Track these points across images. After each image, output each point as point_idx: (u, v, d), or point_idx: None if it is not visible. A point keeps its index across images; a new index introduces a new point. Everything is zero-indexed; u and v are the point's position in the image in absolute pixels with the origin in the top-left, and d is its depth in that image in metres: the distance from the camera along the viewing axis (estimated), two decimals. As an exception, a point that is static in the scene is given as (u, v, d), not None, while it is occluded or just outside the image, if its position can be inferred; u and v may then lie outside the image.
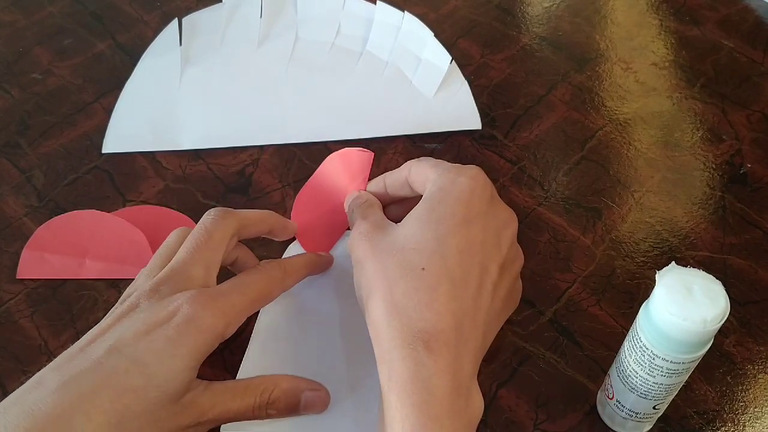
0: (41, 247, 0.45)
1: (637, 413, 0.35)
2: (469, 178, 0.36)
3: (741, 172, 0.49)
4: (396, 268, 0.33)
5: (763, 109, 0.53)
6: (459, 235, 0.34)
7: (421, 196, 0.37)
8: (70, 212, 0.47)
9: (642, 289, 0.43)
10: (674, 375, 0.32)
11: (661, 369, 0.32)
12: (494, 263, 0.34)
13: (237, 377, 0.39)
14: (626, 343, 0.34)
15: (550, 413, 0.38)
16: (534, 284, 0.43)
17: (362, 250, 0.35)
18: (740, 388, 0.39)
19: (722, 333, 0.41)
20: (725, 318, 0.29)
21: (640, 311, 0.32)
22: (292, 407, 0.36)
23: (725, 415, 0.38)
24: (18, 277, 0.44)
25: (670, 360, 0.31)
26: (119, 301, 0.35)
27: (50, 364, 0.32)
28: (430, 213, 0.35)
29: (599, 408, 0.38)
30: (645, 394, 0.34)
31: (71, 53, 0.58)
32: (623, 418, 0.36)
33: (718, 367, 0.40)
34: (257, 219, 0.40)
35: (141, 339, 0.31)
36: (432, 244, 0.33)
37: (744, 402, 0.39)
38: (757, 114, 0.52)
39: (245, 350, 0.40)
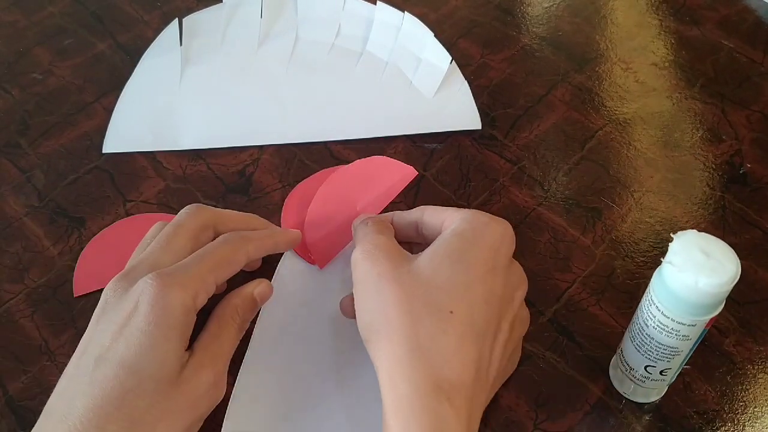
0: (93, 262, 0.45)
1: (645, 377, 0.36)
2: (501, 227, 0.34)
3: (741, 172, 0.49)
4: (422, 305, 0.31)
5: (763, 109, 0.53)
6: (485, 284, 0.32)
7: (427, 244, 0.35)
8: (114, 224, 0.46)
9: (642, 289, 0.43)
10: (683, 338, 0.33)
11: (665, 328, 0.32)
12: (507, 320, 0.33)
13: (237, 379, 0.39)
14: (641, 304, 0.34)
15: (550, 413, 0.38)
16: (534, 284, 0.43)
17: (378, 269, 0.33)
18: (740, 387, 0.39)
19: (722, 333, 0.41)
20: (737, 280, 0.30)
21: (654, 274, 0.33)
22: (254, 307, 0.37)
23: (725, 415, 0.38)
24: (76, 295, 0.43)
25: (677, 321, 0.32)
26: (100, 300, 0.35)
27: (55, 389, 0.32)
28: (461, 253, 0.33)
29: (611, 372, 0.39)
30: (648, 353, 0.34)
31: (71, 53, 0.58)
32: (631, 381, 0.37)
33: (718, 367, 0.40)
34: (236, 217, 0.40)
35: (117, 339, 0.32)
36: (461, 288, 0.32)
37: (744, 402, 0.39)
38: (756, 114, 0.52)
39: (244, 352, 0.40)
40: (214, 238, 0.38)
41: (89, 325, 0.34)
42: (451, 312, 0.31)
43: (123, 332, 0.32)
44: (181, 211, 0.38)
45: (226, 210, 0.40)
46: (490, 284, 0.32)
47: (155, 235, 0.38)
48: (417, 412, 0.29)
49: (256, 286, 0.38)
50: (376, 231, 0.36)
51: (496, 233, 0.34)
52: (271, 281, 0.42)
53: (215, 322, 0.35)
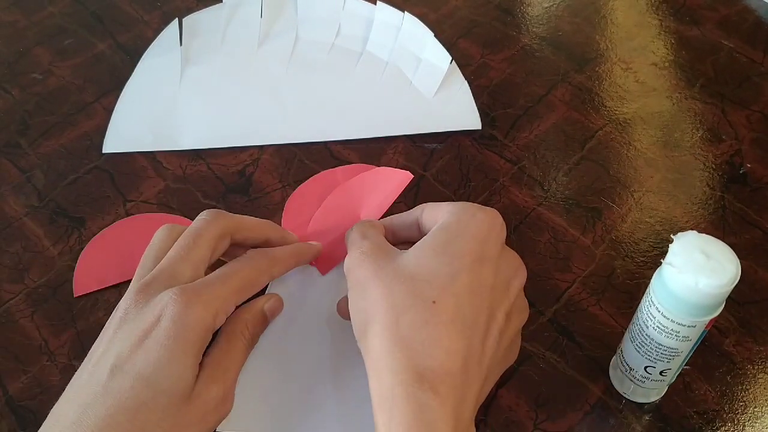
0: (93, 262, 0.45)
1: (645, 378, 0.36)
2: (488, 217, 0.35)
3: (741, 172, 0.49)
4: (405, 297, 0.31)
5: (763, 109, 0.53)
6: (472, 274, 0.32)
7: None
8: (114, 224, 0.46)
9: (642, 289, 0.43)
10: (683, 339, 0.33)
11: (665, 329, 0.32)
12: (501, 310, 0.33)
13: None
14: (641, 305, 0.34)
15: (550, 413, 0.38)
16: (534, 284, 0.43)
17: (364, 272, 0.33)
18: (740, 387, 0.39)
19: (722, 333, 0.41)
20: (737, 281, 0.30)
21: (654, 275, 0.33)
22: (264, 322, 0.38)
23: (725, 415, 0.38)
24: (76, 295, 0.43)
25: (677, 322, 0.32)
26: (116, 308, 0.35)
27: (64, 394, 0.32)
28: (446, 246, 0.33)
29: (611, 372, 0.39)
30: (648, 354, 0.34)
31: (71, 53, 0.58)
32: (630, 381, 0.37)
33: (718, 367, 0.40)
34: (252, 224, 0.39)
35: (136, 351, 0.32)
36: (445, 278, 0.32)
37: (744, 402, 0.39)
38: (756, 114, 0.52)
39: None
40: (230, 246, 0.38)
41: (104, 332, 0.34)
42: (434, 302, 0.31)
43: (143, 344, 0.32)
44: (199, 216, 0.38)
45: (244, 216, 0.40)
46: (478, 274, 0.32)
47: (163, 239, 0.37)
48: (399, 401, 0.29)
49: (267, 301, 0.38)
50: (361, 236, 0.36)
51: (483, 224, 0.34)
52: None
53: (225, 337, 0.35)
